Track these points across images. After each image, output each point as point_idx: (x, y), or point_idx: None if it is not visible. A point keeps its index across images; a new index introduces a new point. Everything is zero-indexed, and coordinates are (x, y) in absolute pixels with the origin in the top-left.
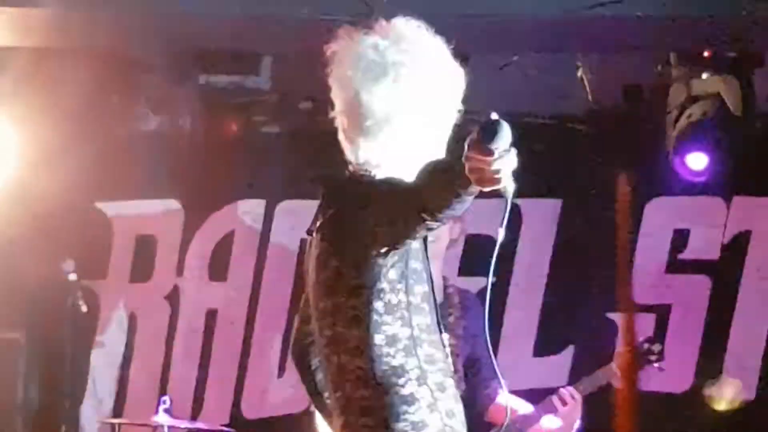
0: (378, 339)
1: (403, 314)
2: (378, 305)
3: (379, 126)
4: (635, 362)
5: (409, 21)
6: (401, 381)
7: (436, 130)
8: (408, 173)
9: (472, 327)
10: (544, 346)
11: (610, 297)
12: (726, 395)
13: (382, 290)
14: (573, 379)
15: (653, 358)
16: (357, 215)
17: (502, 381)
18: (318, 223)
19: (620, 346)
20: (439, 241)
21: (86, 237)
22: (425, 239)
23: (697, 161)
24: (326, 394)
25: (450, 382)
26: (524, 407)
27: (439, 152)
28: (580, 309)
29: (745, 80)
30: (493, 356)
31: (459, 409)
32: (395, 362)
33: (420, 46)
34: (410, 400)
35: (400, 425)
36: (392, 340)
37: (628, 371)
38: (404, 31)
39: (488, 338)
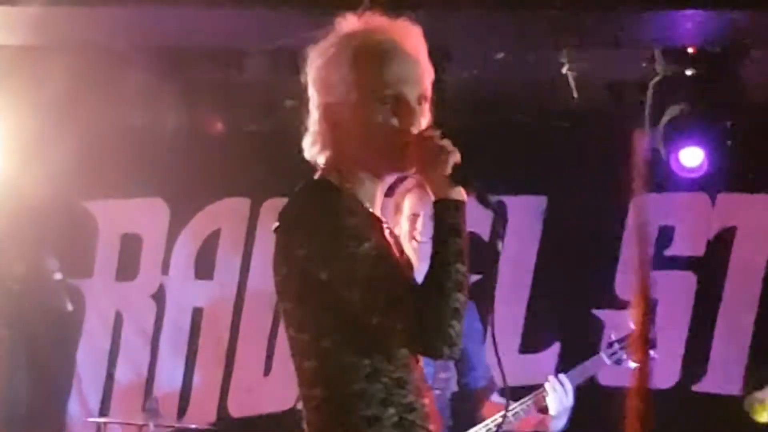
0: (325, 342)
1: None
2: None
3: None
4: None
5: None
6: (350, 379)
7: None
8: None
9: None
10: (531, 343)
11: (596, 294)
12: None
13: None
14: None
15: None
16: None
17: (504, 375)
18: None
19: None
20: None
21: (71, 235)
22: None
23: (693, 157)
24: None
25: (413, 377)
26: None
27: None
28: (566, 306)
29: (731, 76)
30: (499, 357)
31: (423, 402)
32: (345, 362)
33: (328, 41)
34: (361, 396)
35: (353, 421)
36: (340, 343)
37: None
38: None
39: (495, 343)
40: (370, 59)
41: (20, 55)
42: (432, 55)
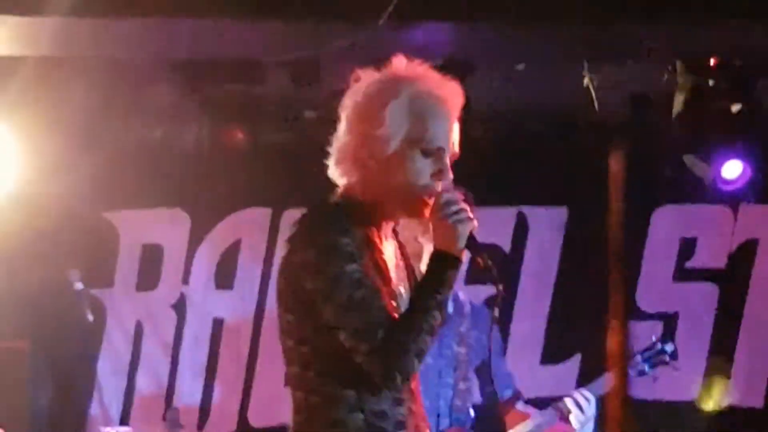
0: (305, 349)
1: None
2: (305, 325)
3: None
4: (626, 374)
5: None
6: (324, 384)
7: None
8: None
9: (482, 338)
10: (552, 354)
11: (617, 305)
12: (717, 395)
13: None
14: (580, 387)
15: (666, 358)
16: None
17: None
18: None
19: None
20: None
21: (92, 246)
22: None
23: (733, 169)
24: None
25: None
26: (537, 413)
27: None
28: (587, 317)
29: (751, 87)
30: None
31: (398, 412)
32: (322, 369)
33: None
34: (332, 400)
35: (321, 422)
36: (319, 351)
37: (621, 382)
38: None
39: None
40: (425, 110)
41: (43, 67)
42: (455, 66)
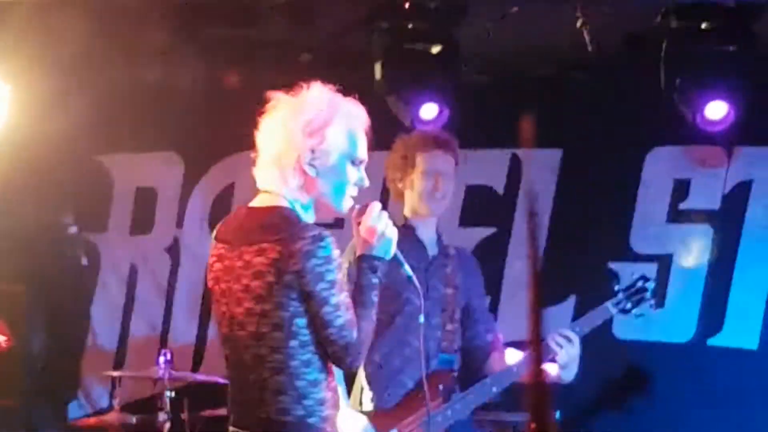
0: (293, 342)
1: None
2: (299, 321)
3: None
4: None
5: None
6: (308, 370)
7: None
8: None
9: (467, 280)
10: (546, 296)
11: (612, 246)
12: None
13: (301, 311)
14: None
15: (647, 295)
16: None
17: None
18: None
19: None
20: (444, 200)
21: (86, 190)
22: None
23: (717, 110)
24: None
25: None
26: (519, 353)
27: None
28: (582, 258)
29: (746, 29)
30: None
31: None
32: (304, 358)
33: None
34: (315, 383)
35: (309, 401)
36: (303, 344)
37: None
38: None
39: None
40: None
41: (35, 11)
42: (447, 10)
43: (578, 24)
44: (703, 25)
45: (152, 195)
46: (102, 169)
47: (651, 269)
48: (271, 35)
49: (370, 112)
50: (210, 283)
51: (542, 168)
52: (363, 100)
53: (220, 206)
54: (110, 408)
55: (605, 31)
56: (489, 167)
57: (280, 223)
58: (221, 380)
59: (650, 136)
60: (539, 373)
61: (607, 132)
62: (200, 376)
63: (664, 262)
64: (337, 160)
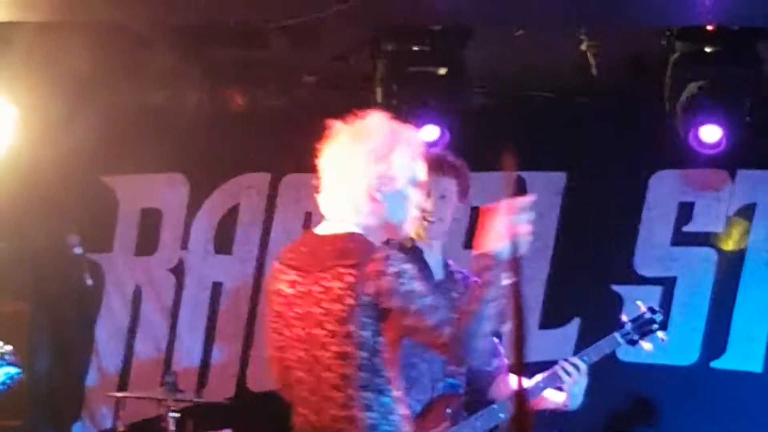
0: (377, 360)
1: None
2: (380, 339)
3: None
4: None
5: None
6: (391, 387)
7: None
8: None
9: None
10: (550, 319)
11: (616, 269)
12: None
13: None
14: (579, 352)
15: (655, 327)
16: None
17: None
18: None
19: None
20: (442, 223)
21: (91, 210)
22: None
23: (711, 134)
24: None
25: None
26: (528, 381)
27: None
28: (586, 281)
29: (749, 53)
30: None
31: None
32: (387, 375)
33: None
34: (398, 400)
35: (395, 417)
36: (386, 361)
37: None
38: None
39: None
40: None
41: (41, 32)
42: (452, 33)
43: (583, 46)
44: (708, 49)
45: (157, 216)
46: (107, 190)
47: (655, 292)
48: (276, 57)
49: None
50: (278, 308)
51: (547, 190)
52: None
53: (225, 227)
54: (114, 429)
55: (609, 54)
56: (493, 189)
57: (353, 249)
58: (225, 402)
59: (654, 159)
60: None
61: (611, 155)
62: (204, 397)
63: (668, 285)
64: (402, 184)
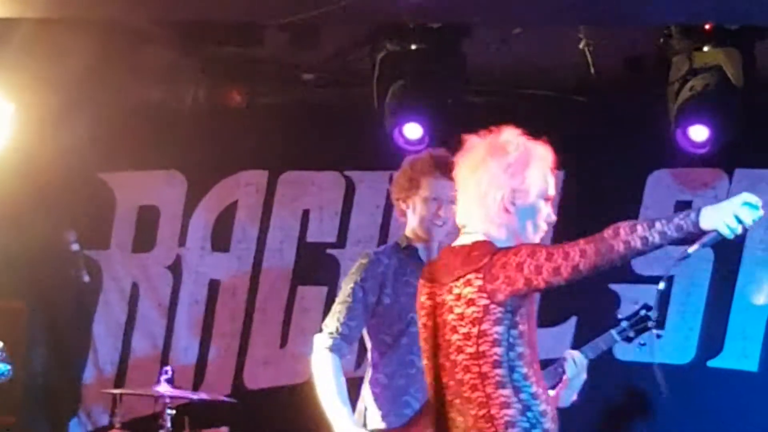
0: (512, 355)
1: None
2: (513, 332)
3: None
4: None
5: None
6: (528, 383)
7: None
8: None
9: None
10: (547, 317)
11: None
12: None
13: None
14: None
15: (650, 324)
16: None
17: None
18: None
19: None
20: (446, 225)
21: (89, 207)
22: None
23: (699, 133)
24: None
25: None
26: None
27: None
28: (583, 279)
29: (747, 52)
30: None
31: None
32: (523, 371)
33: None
34: (535, 395)
35: (532, 413)
36: (520, 356)
37: None
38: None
39: None
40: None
41: (39, 29)
42: (452, 31)
43: (581, 45)
44: (706, 48)
45: (155, 213)
46: (104, 187)
47: (652, 291)
48: (274, 55)
49: (370, 132)
50: (423, 320)
51: None
52: (363, 120)
53: (223, 224)
54: (111, 426)
55: (607, 53)
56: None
57: (479, 254)
58: (222, 398)
59: (651, 158)
60: None
61: (609, 154)
62: (201, 395)
63: (666, 284)
64: (534, 198)
